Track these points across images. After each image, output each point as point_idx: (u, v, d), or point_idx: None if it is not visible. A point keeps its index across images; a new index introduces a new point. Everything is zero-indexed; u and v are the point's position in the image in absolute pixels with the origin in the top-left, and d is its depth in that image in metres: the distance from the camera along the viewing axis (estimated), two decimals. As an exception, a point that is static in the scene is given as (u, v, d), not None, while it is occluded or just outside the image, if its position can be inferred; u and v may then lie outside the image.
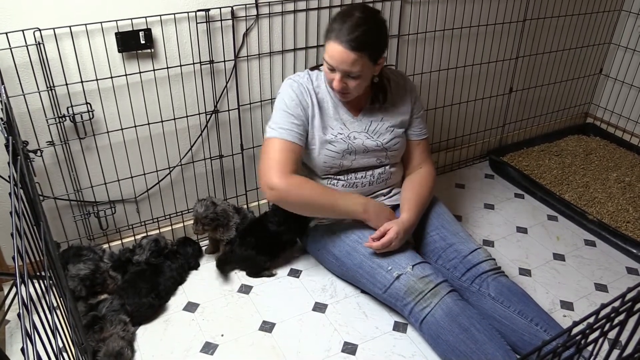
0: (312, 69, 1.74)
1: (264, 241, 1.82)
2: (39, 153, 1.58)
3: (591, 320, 0.65)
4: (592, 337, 0.67)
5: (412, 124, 1.79)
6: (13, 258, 0.71)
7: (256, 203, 2.10)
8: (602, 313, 0.66)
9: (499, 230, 2.15)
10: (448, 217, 1.79)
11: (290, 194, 1.59)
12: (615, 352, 0.74)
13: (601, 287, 1.87)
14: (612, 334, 0.72)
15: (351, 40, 1.48)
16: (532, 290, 1.84)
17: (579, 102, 2.91)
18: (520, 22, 2.35)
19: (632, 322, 0.69)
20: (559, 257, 2.02)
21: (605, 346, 0.74)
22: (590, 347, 0.71)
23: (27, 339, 0.61)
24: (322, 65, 1.75)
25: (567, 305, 1.79)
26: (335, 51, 1.51)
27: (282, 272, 1.88)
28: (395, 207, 1.81)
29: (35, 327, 0.66)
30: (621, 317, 0.67)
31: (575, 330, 0.64)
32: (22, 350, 0.59)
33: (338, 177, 1.73)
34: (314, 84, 1.68)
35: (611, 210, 2.24)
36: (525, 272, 1.93)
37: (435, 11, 2.09)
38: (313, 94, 1.66)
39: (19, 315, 0.63)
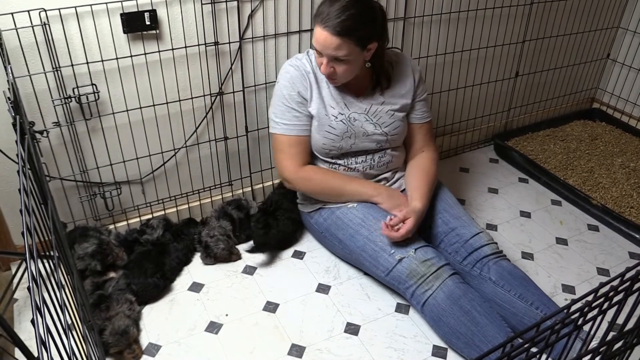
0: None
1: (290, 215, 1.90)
2: (45, 134, 1.59)
3: (590, 298, 0.66)
4: (590, 315, 0.68)
5: (415, 107, 1.78)
6: (22, 234, 0.72)
7: (260, 185, 2.11)
8: (601, 292, 0.66)
9: (502, 214, 2.16)
10: (450, 201, 1.80)
11: (301, 185, 1.75)
12: (612, 335, 0.74)
13: (603, 272, 1.88)
14: (609, 316, 0.73)
15: (336, 25, 1.46)
16: (534, 274, 1.85)
17: (585, 87, 2.89)
18: (527, 5, 2.33)
19: (630, 301, 0.70)
20: (561, 241, 2.02)
21: (604, 325, 0.75)
22: (587, 326, 0.72)
23: (37, 312, 0.62)
24: None
25: (568, 289, 1.80)
26: (320, 36, 1.50)
27: (286, 254, 1.90)
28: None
29: (44, 302, 0.68)
30: (620, 296, 0.68)
31: (573, 308, 0.65)
32: (32, 321, 0.61)
33: (338, 161, 1.74)
34: (313, 65, 1.67)
35: (615, 195, 2.24)
36: (528, 256, 1.94)
37: (441, -7, 2.08)
38: (312, 74, 1.66)
39: (28, 288, 0.64)
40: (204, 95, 1.81)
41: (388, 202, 1.71)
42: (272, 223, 1.85)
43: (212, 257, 1.82)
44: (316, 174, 1.73)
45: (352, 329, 1.61)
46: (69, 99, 1.59)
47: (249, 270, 1.82)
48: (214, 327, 1.60)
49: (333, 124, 1.67)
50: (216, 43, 1.74)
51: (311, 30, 1.88)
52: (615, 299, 0.67)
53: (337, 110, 1.67)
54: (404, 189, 1.83)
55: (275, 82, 1.90)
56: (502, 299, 1.57)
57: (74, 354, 0.80)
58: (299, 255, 1.89)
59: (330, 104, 1.67)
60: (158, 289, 1.69)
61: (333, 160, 1.74)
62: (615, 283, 0.66)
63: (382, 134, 1.72)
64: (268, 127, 1.98)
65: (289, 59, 1.71)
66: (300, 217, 1.93)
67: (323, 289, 1.76)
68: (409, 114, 1.78)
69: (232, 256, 1.84)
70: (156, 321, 1.62)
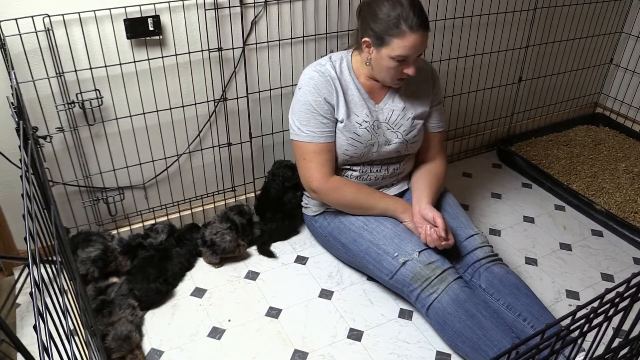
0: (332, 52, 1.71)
1: (282, 208, 1.94)
2: (48, 139, 1.60)
3: (595, 304, 0.65)
4: (595, 322, 0.67)
5: (431, 114, 1.77)
6: (25, 239, 0.72)
7: (263, 191, 2.11)
8: (607, 298, 0.66)
9: (505, 219, 2.15)
10: (451, 201, 1.79)
11: (330, 196, 1.69)
12: (618, 341, 0.74)
13: (607, 277, 1.87)
14: (614, 322, 0.72)
15: (422, 22, 1.48)
16: (537, 279, 1.84)
17: (588, 92, 2.88)
18: (530, 10, 2.33)
19: (636, 307, 0.69)
20: (565, 246, 2.01)
21: (609, 332, 0.75)
22: (592, 333, 0.72)
23: (40, 317, 0.62)
24: (332, 52, 1.73)
25: (572, 295, 1.79)
26: (417, 40, 1.48)
27: (289, 259, 1.89)
28: (400, 195, 1.83)
29: (47, 307, 0.67)
30: (625, 302, 0.67)
31: (579, 314, 0.65)
32: (34, 327, 0.60)
33: (354, 167, 1.73)
34: (337, 71, 1.63)
35: (619, 200, 2.23)
36: (531, 261, 1.93)
37: (445, 0, 2.08)
38: (337, 81, 1.63)
39: (31, 294, 0.64)
40: (208, 101, 1.82)
41: (413, 223, 1.67)
42: (263, 228, 1.95)
43: (218, 254, 1.80)
44: (346, 185, 1.69)
45: (355, 335, 1.61)
46: (73, 105, 1.60)
47: (252, 275, 1.82)
48: (216, 333, 1.60)
49: (358, 131, 1.65)
50: (220, 49, 1.74)
51: (316, 36, 1.88)
52: (621, 306, 0.67)
53: (362, 118, 1.65)
54: (407, 189, 1.83)
55: (279, 87, 1.92)
56: (492, 306, 1.55)
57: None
58: (301, 260, 1.89)
59: (355, 111, 1.65)
60: (160, 294, 1.68)
61: (348, 167, 1.73)
62: (620, 289, 0.66)
63: (402, 141, 1.70)
64: (272, 131, 2.00)
65: (311, 64, 1.67)
66: (300, 209, 1.93)
67: (326, 294, 1.75)
68: (425, 121, 1.77)
69: (239, 248, 1.83)
70: (158, 326, 1.62)
